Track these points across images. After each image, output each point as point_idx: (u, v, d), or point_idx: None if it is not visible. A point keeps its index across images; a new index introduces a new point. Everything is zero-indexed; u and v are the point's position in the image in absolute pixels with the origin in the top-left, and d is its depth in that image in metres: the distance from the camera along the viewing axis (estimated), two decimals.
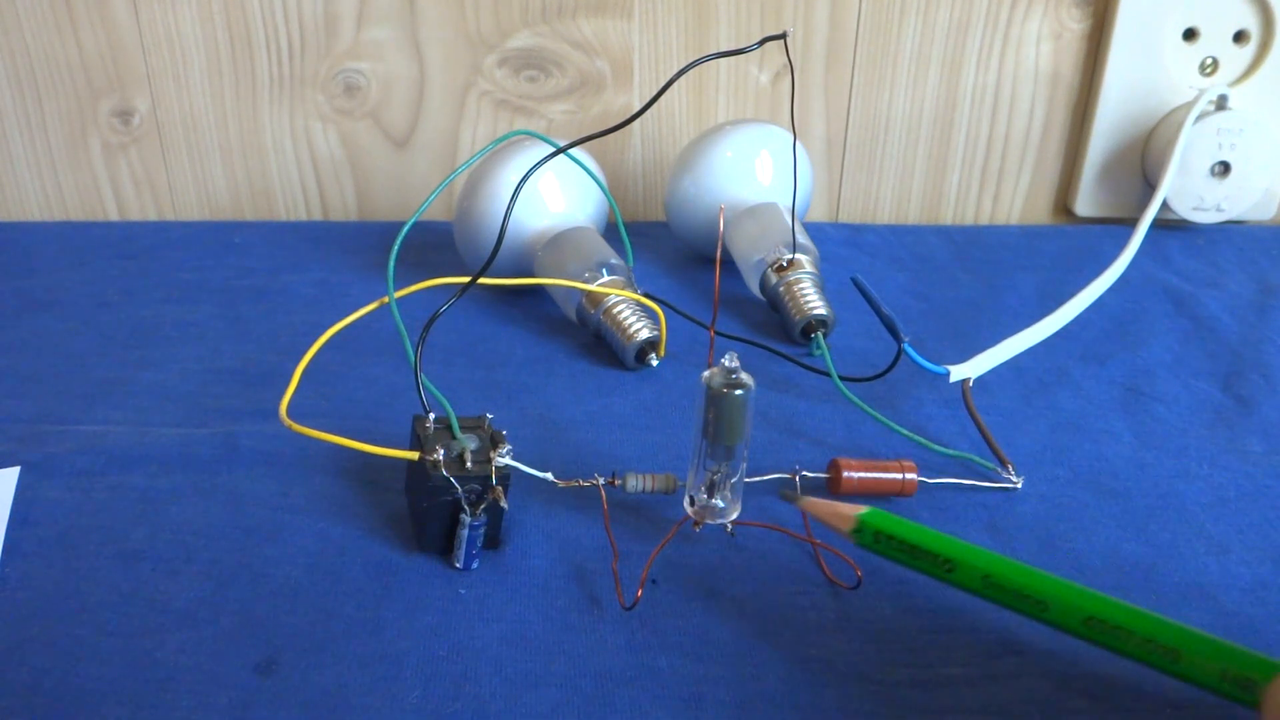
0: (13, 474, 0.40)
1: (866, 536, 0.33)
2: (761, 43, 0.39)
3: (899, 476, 0.39)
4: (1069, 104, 0.65)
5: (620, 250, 0.52)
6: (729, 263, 0.55)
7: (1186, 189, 0.63)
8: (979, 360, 0.45)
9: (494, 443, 0.36)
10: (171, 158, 0.64)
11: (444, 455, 0.35)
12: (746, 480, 0.37)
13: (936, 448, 0.43)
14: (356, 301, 0.41)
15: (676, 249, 0.61)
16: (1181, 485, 0.42)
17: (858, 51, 0.63)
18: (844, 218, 0.68)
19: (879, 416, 0.44)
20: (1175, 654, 0.28)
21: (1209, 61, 0.63)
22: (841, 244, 0.62)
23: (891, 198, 0.67)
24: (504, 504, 0.35)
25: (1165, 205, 0.61)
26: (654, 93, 0.37)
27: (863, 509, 0.34)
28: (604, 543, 0.37)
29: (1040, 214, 0.68)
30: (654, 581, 0.36)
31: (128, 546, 0.37)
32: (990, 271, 0.60)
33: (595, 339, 0.50)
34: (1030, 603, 0.30)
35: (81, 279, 0.57)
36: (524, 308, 0.54)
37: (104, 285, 0.56)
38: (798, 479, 0.40)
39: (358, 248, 0.61)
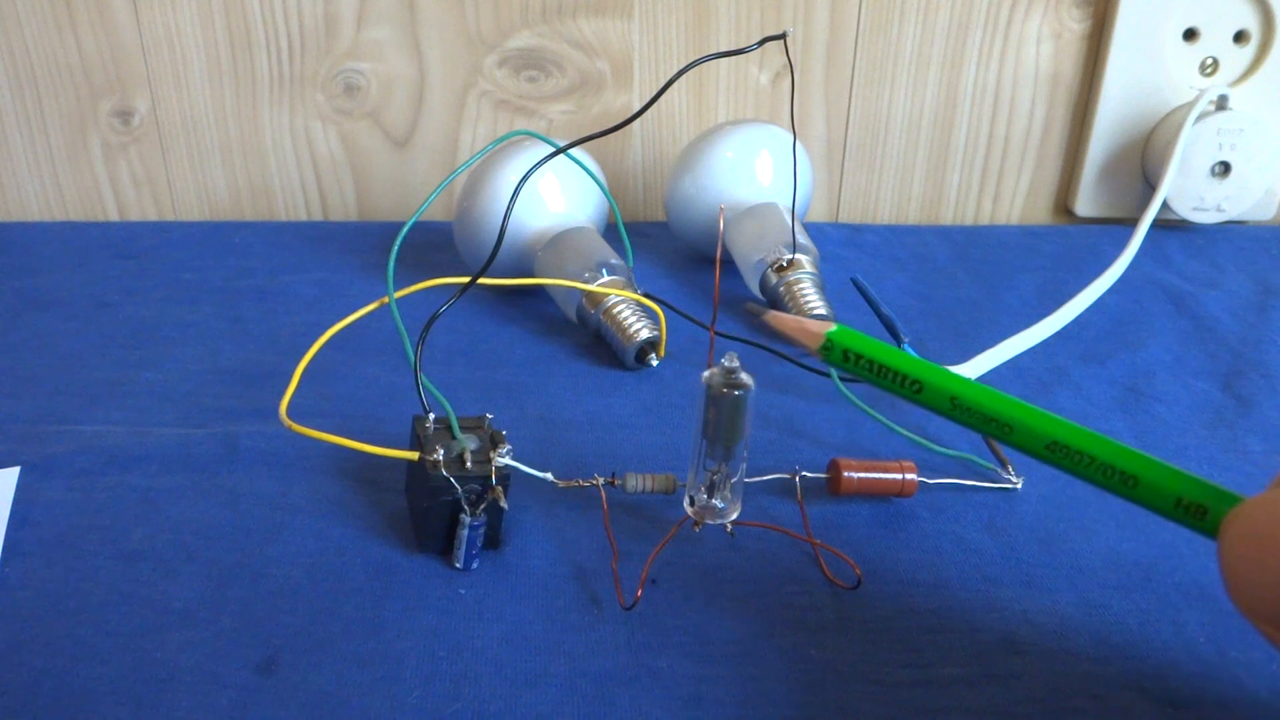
0: (13, 474, 0.40)
1: (835, 354, 0.32)
2: (761, 43, 0.39)
3: (899, 476, 0.39)
4: (1069, 104, 0.65)
5: (620, 250, 0.52)
6: (729, 263, 0.55)
7: (1187, 189, 0.63)
8: (979, 360, 0.45)
9: (494, 443, 0.36)
10: (171, 158, 0.64)
11: (444, 455, 0.35)
12: (746, 480, 0.37)
13: (936, 448, 0.43)
14: (356, 301, 0.41)
15: (676, 249, 0.61)
16: None
17: (858, 51, 0.63)
18: (844, 218, 0.68)
19: (879, 417, 0.44)
20: (1133, 480, 0.29)
21: (1209, 61, 0.63)
22: (841, 244, 0.62)
23: (891, 198, 0.67)
24: (504, 504, 0.35)
25: (1165, 205, 0.61)
26: (654, 93, 0.38)
27: (831, 326, 0.33)
28: (604, 543, 0.37)
29: (1040, 214, 0.68)
30: (654, 581, 0.36)
31: (128, 546, 0.37)
32: (990, 271, 0.60)
33: (595, 339, 0.50)
34: (996, 425, 0.30)
35: (81, 279, 0.57)
36: (524, 308, 0.54)
37: (104, 285, 0.56)
38: (798, 479, 0.40)
39: (358, 248, 0.61)
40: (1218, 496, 0.28)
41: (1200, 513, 0.28)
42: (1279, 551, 0.25)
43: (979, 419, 0.30)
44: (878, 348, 0.32)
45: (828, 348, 0.32)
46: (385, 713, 0.31)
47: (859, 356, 0.32)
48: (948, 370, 0.32)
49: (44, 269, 0.58)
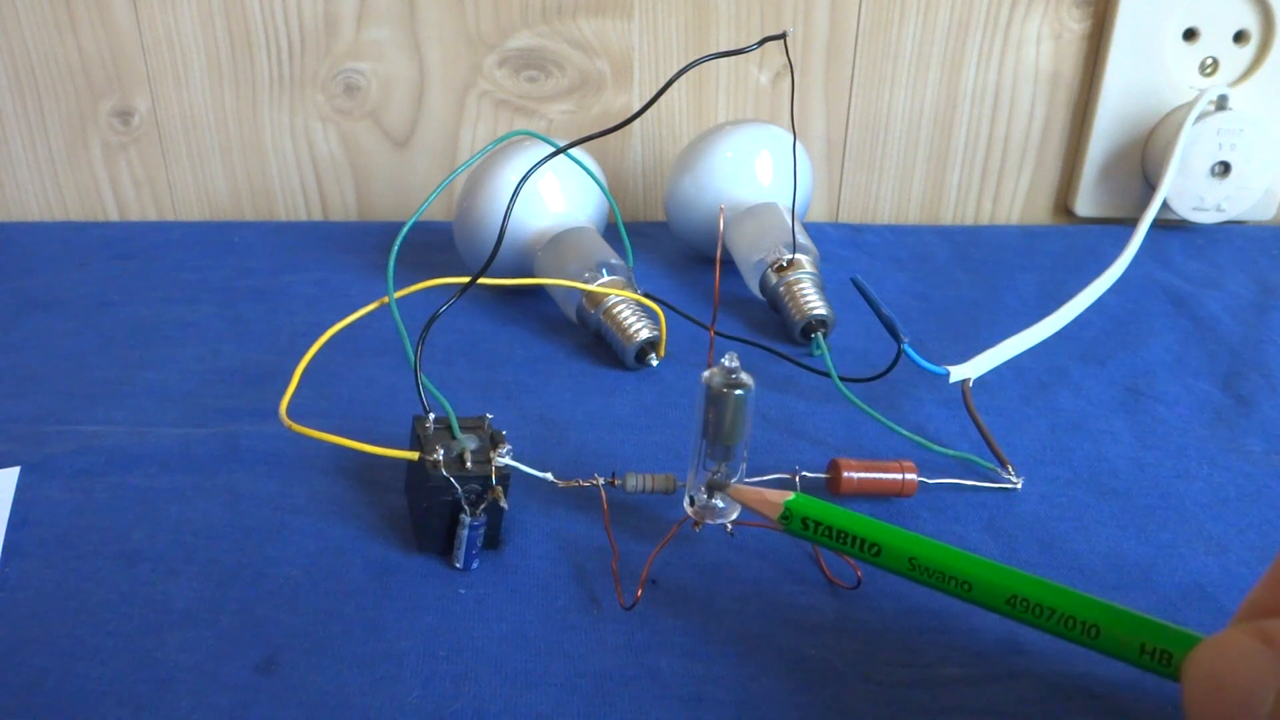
0: (13, 474, 0.40)
1: (794, 523, 0.34)
2: (761, 43, 0.39)
3: (899, 477, 0.39)
4: (1069, 104, 0.65)
5: (620, 250, 0.52)
6: (729, 263, 0.55)
7: (1186, 189, 0.63)
8: (979, 360, 0.45)
9: (494, 443, 0.36)
10: (171, 158, 0.64)
11: (444, 455, 0.35)
12: (746, 480, 0.37)
13: (936, 448, 0.43)
14: (356, 301, 0.41)
15: (676, 249, 0.61)
16: (1181, 485, 0.42)
17: (858, 51, 0.63)
18: (844, 218, 0.68)
19: (879, 417, 0.44)
20: (1095, 629, 0.29)
21: (1209, 61, 0.63)
22: (841, 244, 0.62)
23: (891, 198, 0.67)
24: (504, 504, 0.35)
25: (1165, 205, 0.61)
26: (654, 93, 0.38)
27: (789, 495, 0.34)
28: (604, 543, 0.37)
29: (1040, 214, 0.68)
30: (654, 581, 0.36)
31: (128, 546, 0.37)
32: (990, 271, 0.60)
33: (595, 339, 0.50)
34: (955, 583, 0.31)
35: (81, 279, 0.57)
36: (524, 308, 0.54)
37: (104, 285, 0.56)
38: (798, 479, 0.40)
39: (358, 248, 0.61)
40: (1180, 639, 0.28)
41: (1165, 658, 0.28)
42: (1231, 695, 0.24)
43: (937, 577, 0.31)
44: (836, 513, 0.33)
45: (786, 516, 0.33)
46: (385, 713, 0.31)
47: (817, 523, 0.33)
48: (905, 532, 0.32)
49: (44, 269, 0.58)
